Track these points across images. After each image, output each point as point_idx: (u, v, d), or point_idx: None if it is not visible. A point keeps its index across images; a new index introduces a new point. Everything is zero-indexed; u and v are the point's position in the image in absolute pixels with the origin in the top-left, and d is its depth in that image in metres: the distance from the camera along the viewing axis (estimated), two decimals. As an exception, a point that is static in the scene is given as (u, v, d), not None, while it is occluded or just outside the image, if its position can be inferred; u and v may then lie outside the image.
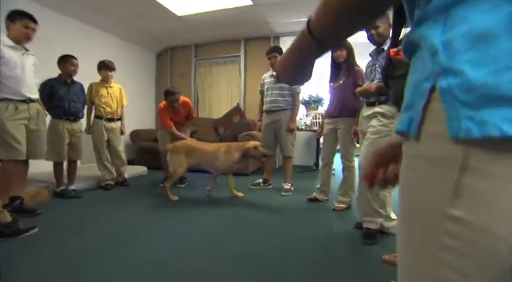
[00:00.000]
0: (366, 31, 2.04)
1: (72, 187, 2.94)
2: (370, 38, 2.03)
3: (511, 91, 0.27)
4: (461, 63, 0.30)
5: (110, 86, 3.30)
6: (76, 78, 2.97)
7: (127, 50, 5.19)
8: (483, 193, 0.29)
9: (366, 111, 2.02)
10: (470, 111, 0.29)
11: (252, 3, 4.00)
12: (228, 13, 4.31)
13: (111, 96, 3.28)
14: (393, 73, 1.53)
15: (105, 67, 3.22)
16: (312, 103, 6.53)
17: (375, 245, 1.88)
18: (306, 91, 6.16)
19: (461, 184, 0.30)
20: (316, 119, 5.23)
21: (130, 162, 4.69)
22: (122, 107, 3.45)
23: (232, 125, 4.88)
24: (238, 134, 4.44)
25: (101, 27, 4.52)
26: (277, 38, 5.16)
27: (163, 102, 3.40)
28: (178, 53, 5.84)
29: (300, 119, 5.34)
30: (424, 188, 0.35)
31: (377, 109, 1.93)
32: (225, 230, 2.15)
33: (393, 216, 2.07)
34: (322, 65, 7.58)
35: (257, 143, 2.96)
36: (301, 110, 5.32)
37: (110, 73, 3.23)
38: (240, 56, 5.40)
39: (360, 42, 2.91)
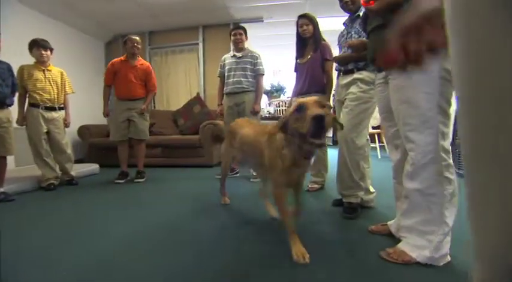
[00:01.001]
0: (339, 1, 1.95)
1: (1, 189, 2.42)
2: (344, 7, 1.94)
3: None
4: None
5: (47, 69, 2.82)
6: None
7: (71, 37, 4.62)
8: None
9: (344, 79, 1.93)
10: None
11: (209, -17, 3.77)
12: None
13: (49, 81, 2.81)
14: (367, 28, 1.43)
15: (37, 45, 2.73)
16: (274, 92, 6.49)
17: (357, 219, 1.78)
18: (267, 81, 6.09)
19: None
20: (279, 106, 5.15)
21: (80, 161, 4.18)
22: (65, 94, 2.99)
23: (193, 116, 4.60)
24: (199, 124, 4.16)
25: (40, 10, 3.93)
26: (236, 24, 4.96)
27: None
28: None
29: (263, 108, 5.23)
30: None
31: (356, 75, 1.84)
32: (194, 222, 1.90)
33: (372, 189, 2.01)
34: (279, 58, 7.59)
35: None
36: (264, 99, 5.21)
37: (44, 52, 2.75)
38: (198, 43, 5.11)
39: (325, 30, 2.87)
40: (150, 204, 2.29)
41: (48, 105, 2.79)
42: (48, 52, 2.82)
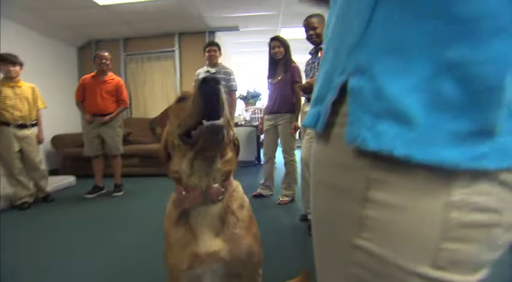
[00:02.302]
0: (305, 32, 2.12)
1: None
2: (309, 39, 2.11)
3: (412, 112, 0.26)
4: (378, 68, 0.28)
5: (17, 86, 2.78)
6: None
7: (38, 42, 4.47)
8: (386, 225, 0.29)
9: (307, 107, 2.10)
10: (371, 121, 0.28)
11: (184, -5, 3.81)
12: (160, 5, 4.03)
13: (19, 98, 2.78)
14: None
15: (3, 61, 2.67)
16: (250, 98, 6.60)
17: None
18: (243, 86, 6.18)
19: (365, 216, 0.30)
20: (255, 113, 5.29)
21: (55, 172, 4.12)
22: (38, 110, 2.96)
23: (170, 125, 4.63)
24: (178, 133, 4.23)
25: (5, 15, 3.78)
26: (212, 33, 5.03)
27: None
28: (104, 46, 5.21)
29: (239, 114, 5.34)
30: (333, 216, 0.34)
31: None
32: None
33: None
34: (256, 61, 7.68)
35: None
36: (240, 104, 5.32)
37: (12, 68, 2.70)
38: (174, 51, 5.12)
39: (297, 38, 3.04)
40: (128, 222, 2.38)
41: (19, 122, 2.76)
42: (17, 67, 2.77)
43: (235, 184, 0.79)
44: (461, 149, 0.25)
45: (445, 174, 0.26)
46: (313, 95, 0.39)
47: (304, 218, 2.21)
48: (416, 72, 0.26)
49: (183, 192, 0.71)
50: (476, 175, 0.26)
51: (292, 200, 2.77)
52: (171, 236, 0.72)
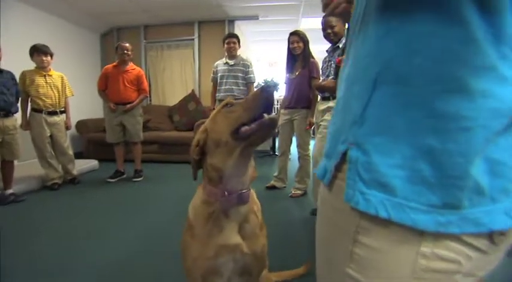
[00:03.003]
0: (323, 30, 2.12)
1: (10, 191, 2.63)
2: (327, 37, 2.11)
3: (394, 184, 0.33)
4: (371, 146, 0.36)
5: (48, 74, 2.95)
6: (7, 66, 2.62)
7: (66, 30, 4.64)
8: (369, 262, 0.37)
9: (321, 105, 2.13)
10: (363, 187, 0.36)
11: (204, -15, 3.81)
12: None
13: (50, 86, 2.95)
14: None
15: (37, 51, 2.84)
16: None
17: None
18: (261, 76, 6.17)
19: (354, 252, 0.38)
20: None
21: (79, 155, 4.36)
22: (66, 98, 3.14)
23: (188, 113, 4.76)
24: (194, 121, 4.34)
25: (34, 4, 3.94)
26: (232, 21, 5.03)
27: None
28: (125, 34, 5.37)
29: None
30: (331, 244, 0.43)
31: (331, 104, 2.05)
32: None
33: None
34: (274, 51, 7.59)
35: None
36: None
37: (44, 58, 2.87)
38: (193, 39, 5.17)
39: (318, 28, 3.00)
40: (148, 207, 2.54)
41: (50, 109, 2.95)
42: (49, 58, 2.93)
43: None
44: (431, 216, 0.32)
45: (417, 231, 0.33)
46: (325, 148, 0.47)
47: (315, 213, 2.28)
48: (400, 152, 0.33)
49: (219, 194, 0.77)
50: (443, 235, 0.33)
51: (305, 194, 2.85)
52: (201, 229, 0.80)
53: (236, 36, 3.31)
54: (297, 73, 2.71)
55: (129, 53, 3.25)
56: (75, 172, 3.24)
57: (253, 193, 0.86)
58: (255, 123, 0.70)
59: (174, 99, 5.12)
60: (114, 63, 3.29)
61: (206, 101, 4.76)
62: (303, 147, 2.82)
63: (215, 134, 0.77)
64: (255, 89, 3.40)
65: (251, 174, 0.82)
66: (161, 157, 4.35)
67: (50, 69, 2.97)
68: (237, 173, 0.78)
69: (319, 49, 2.84)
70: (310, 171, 2.86)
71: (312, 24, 4.56)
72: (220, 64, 3.36)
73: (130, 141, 3.36)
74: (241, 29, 5.26)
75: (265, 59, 8.00)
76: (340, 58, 1.42)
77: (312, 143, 2.89)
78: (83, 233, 2.00)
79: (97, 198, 2.78)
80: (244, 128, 0.71)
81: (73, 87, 3.28)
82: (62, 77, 3.09)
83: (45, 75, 2.92)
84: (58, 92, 3.01)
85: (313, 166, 2.11)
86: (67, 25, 4.64)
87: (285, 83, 2.89)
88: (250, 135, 0.71)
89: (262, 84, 6.17)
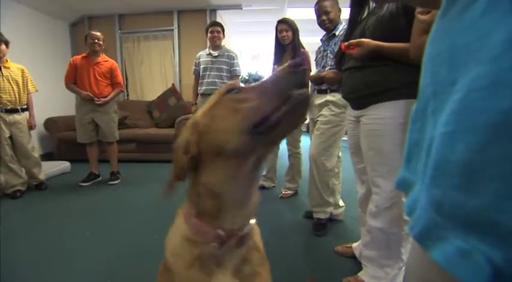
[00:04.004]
0: (317, 17, 1.92)
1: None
2: (321, 24, 1.92)
3: None
4: None
5: (4, 66, 2.59)
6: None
7: (30, 18, 4.19)
8: None
9: (318, 99, 1.95)
10: None
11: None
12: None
13: (8, 80, 2.59)
14: (342, 66, 1.45)
15: None
16: (252, 82, 6.39)
17: (326, 236, 1.89)
18: (244, 69, 5.94)
19: None
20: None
21: (49, 156, 4.01)
22: (28, 93, 2.79)
23: (168, 108, 4.48)
24: (175, 117, 4.08)
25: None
26: (213, 11, 4.75)
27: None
28: (98, 23, 4.94)
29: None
30: None
31: (329, 97, 1.87)
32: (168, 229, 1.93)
33: (341, 203, 2.12)
34: (257, 43, 7.42)
35: None
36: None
37: None
38: (173, 29, 4.84)
39: (304, 19, 2.85)
40: (124, 213, 2.28)
41: (8, 107, 2.60)
42: (3, 46, 2.56)
43: None
44: None
45: None
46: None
47: (309, 215, 2.13)
48: None
49: (211, 235, 0.53)
50: None
51: (296, 194, 2.68)
52: (182, 277, 0.56)
53: (220, 25, 3.06)
54: (286, 64, 2.51)
55: (101, 42, 2.93)
56: (41, 176, 2.90)
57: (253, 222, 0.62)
58: (285, 105, 0.47)
59: (153, 94, 4.81)
60: (84, 54, 2.96)
61: (187, 96, 4.48)
62: (293, 144, 2.65)
63: (217, 135, 0.50)
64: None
65: (256, 199, 0.57)
66: (140, 156, 4.05)
67: (6, 60, 2.61)
68: (243, 199, 0.53)
69: (307, 41, 2.64)
70: (302, 170, 2.70)
71: (298, 15, 4.37)
72: (203, 55, 3.10)
73: (104, 141, 3.06)
74: (223, 19, 4.98)
75: (248, 52, 7.74)
76: (344, 43, 1.24)
77: (302, 139, 2.73)
78: (48, 248, 1.73)
79: (67, 205, 2.48)
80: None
81: (41, 82, 2.94)
82: (22, 70, 2.73)
83: (0, 67, 2.56)
84: (18, 86, 2.66)
85: (310, 166, 1.94)
86: (31, 12, 4.19)
87: (273, 76, 2.69)
88: (277, 124, 0.47)
89: (246, 77, 5.97)
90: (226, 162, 0.50)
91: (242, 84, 0.57)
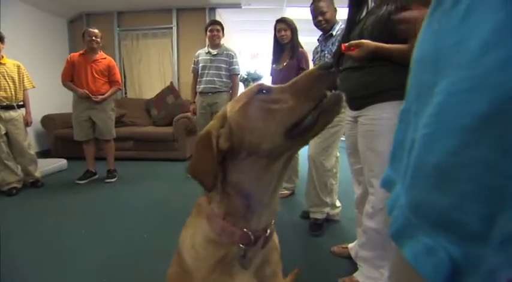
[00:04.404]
0: (313, 18, 1.92)
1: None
2: (317, 25, 1.92)
3: None
4: None
5: (0, 63, 2.57)
6: None
7: (29, 15, 4.16)
8: None
9: None
10: None
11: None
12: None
13: (3, 77, 2.58)
14: (339, 66, 1.44)
15: None
16: (251, 80, 6.39)
17: (322, 236, 1.89)
18: (243, 68, 5.93)
19: None
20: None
21: (46, 153, 3.98)
22: (25, 90, 2.77)
23: (166, 106, 4.47)
24: (173, 115, 4.07)
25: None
26: (213, 9, 4.73)
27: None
28: (96, 21, 4.91)
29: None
30: None
31: None
32: (164, 227, 1.93)
33: (338, 203, 2.12)
34: (256, 42, 7.42)
35: None
36: (240, 87, 5.14)
37: None
38: (172, 28, 4.82)
39: (303, 18, 2.83)
40: (121, 211, 2.27)
41: (4, 103, 2.58)
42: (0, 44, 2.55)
43: None
44: None
45: None
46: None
47: (306, 215, 2.13)
48: None
49: (238, 235, 0.53)
50: None
51: (293, 193, 2.68)
52: (203, 279, 0.54)
53: (220, 24, 3.05)
54: (284, 64, 2.51)
55: (98, 40, 2.91)
56: (37, 174, 2.89)
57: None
58: (319, 106, 0.48)
59: (151, 92, 4.79)
60: (81, 51, 2.95)
61: (186, 94, 4.47)
62: (290, 144, 2.64)
63: (252, 135, 0.50)
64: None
65: (278, 199, 0.59)
66: (137, 154, 4.04)
67: (2, 57, 2.59)
68: (270, 199, 0.53)
69: (305, 41, 2.64)
70: (299, 170, 2.70)
71: (297, 14, 4.36)
72: (202, 53, 3.09)
73: (101, 138, 3.04)
74: (222, 17, 4.97)
75: (247, 51, 7.73)
76: (345, 44, 1.23)
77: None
78: (44, 246, 1.72)
79: (63, 203, 2.47)
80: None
81: (38, 79, 2.92)
82: (18, 66, 2.71)
83: (-4, 64, 2.54)
84: (14, 83, 2.64)
85: (309, 167, 1.94)
86: (29, 9, 4.16)
87: (271, 75, 2.68)
88: (312, 126, 0.48)
89: (245, 76, 5.96)
90: (257, 161, 0.51)
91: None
